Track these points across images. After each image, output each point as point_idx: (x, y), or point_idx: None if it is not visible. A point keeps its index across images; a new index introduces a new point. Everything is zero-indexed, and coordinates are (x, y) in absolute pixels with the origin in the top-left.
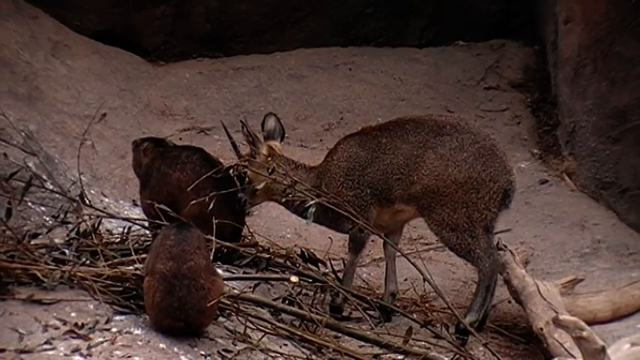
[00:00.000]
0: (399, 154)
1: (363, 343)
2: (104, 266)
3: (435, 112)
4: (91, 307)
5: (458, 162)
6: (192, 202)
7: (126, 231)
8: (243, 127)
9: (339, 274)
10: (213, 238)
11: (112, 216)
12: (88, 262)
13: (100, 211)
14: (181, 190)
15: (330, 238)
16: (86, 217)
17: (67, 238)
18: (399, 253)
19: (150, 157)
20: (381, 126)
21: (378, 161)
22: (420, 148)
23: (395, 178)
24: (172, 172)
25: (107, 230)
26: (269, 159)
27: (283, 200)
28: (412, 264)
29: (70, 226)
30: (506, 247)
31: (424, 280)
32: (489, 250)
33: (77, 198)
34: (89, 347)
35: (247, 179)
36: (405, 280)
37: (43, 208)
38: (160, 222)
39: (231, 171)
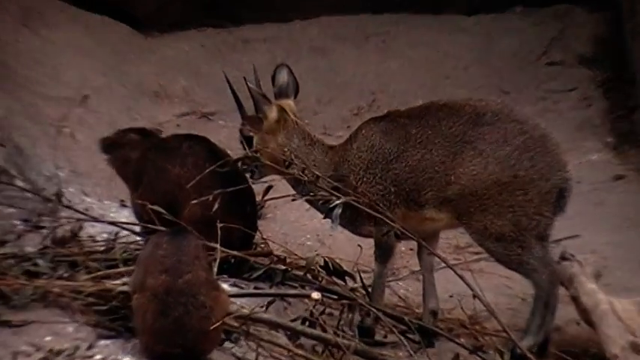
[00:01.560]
0: (431, 148)
1: None
2: (86, 280)
3: (486, 93)
4: (70, 329)
5: (501, 158)
6: (192, 202)
7: (112, 237)
8: (246, 84)
9: (370, 289)
10: (218, 245)
11: (95, 219)
12: (66, 275)
13: (81, 213)
14: (181, 188)
15: (359, 245)
16: (64, 221)
17: (40, 247)
18: (441, 264)
19: (140, 150)
20: (411, 112)
21: (406, 156)
22: (456, 143)
23: (426, 177)
24: (171, 166)
25: (89, 237)
26: (279, 125)
27: (300, 191)
28: (459, 276)
29: (45, 232)
30: (573, 256)
31: (473, 296)
32: (546, 260)
33: (53, 197)
34: None
35: (253, 146)
36: (451, 296)
37: (11, 210)
38: (154, 226)
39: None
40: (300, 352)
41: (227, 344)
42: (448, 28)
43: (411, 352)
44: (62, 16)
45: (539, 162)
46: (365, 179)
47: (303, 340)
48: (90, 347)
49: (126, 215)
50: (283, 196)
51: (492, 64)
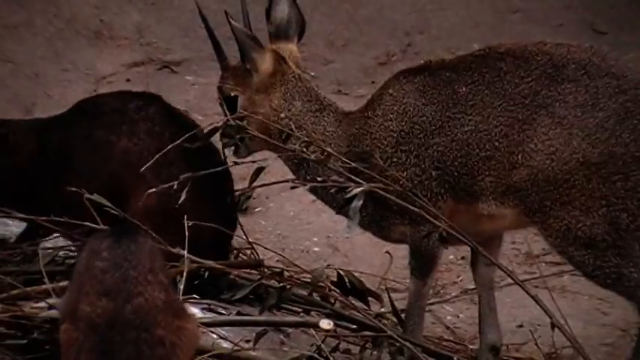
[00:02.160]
0: (489, 115)
1: None
2: None
3: (571, 34)
4: None
5: (589, 129)
6: (148, 192)
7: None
8: (228, 21)
9: (403, 315)
10: (185, 252)
11: (7, 214)
12: None
13: None
14: (130, 168)
15: (387, 252)
16: None
17: None
18: (505, 279)
19: (34, 144)
20: (460, 62)
21: (453, 125)
22: (525, 107)
23: (482, 156)
24: (116, 138)
25: None
26: (275, 81)
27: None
28: (532, 297)
29: None
30: None
31: (552, 325)
32: None
33: None
34: None
35: (238, 110)
36: (520, 326)
37: None
38: (91, 224)
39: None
40: None
41: None
42: None
43: None
44: None
45: None
46: (395, 159)
47: None
48: None
49: None
50: (279, 182)
51: None
